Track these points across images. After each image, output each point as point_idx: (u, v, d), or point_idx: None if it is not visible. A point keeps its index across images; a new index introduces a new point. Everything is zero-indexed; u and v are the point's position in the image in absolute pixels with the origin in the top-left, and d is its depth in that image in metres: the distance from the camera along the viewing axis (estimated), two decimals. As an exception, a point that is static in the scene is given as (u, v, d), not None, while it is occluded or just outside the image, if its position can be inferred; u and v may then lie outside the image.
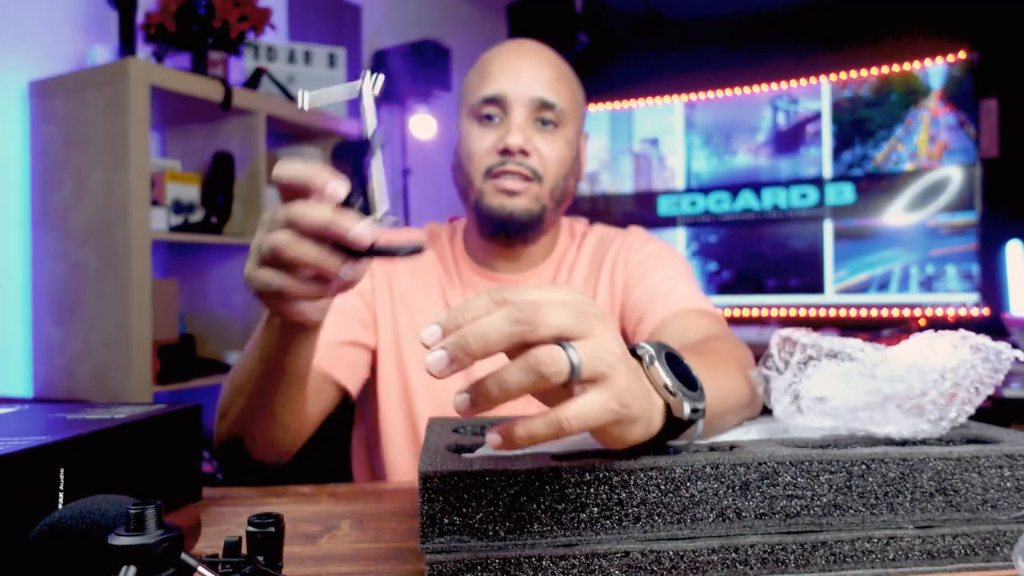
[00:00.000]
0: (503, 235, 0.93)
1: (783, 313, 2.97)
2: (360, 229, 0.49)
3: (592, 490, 0.45)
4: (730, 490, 0.47)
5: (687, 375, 0.49)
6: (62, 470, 0.53)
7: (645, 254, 1.00)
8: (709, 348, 0.72)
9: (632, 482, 0.46)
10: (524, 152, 0.89)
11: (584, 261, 1.01)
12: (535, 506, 0.45)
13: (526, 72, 0.91)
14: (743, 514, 0.47)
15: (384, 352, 0.97)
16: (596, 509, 0.45)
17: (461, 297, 0.99)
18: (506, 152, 0.89)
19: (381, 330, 0.97)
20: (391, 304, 0.98)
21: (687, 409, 0.46)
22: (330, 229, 0.49)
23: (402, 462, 0.97)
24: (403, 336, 0.97)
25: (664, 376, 0.46)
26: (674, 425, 0.47)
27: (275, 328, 0.64)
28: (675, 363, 0.48)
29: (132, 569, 0.36)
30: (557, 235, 1.03)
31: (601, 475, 0.45)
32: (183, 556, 0.38)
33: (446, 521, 0.44)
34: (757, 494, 0.47)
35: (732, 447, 0.50)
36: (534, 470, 0.45)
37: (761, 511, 0.47)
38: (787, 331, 0.58)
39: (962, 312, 2.68)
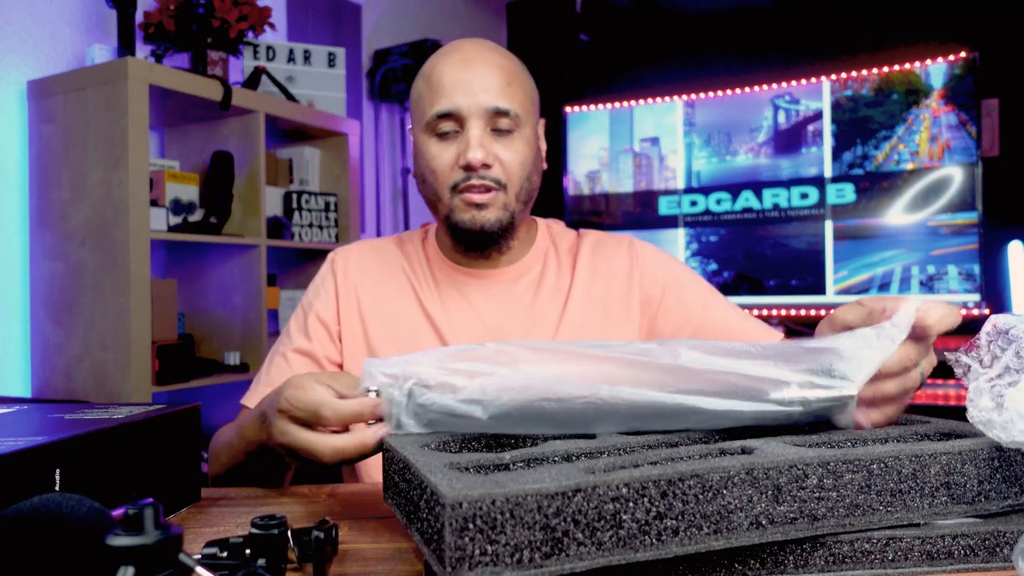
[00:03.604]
0: (478, 247, 0.96)
1: (784, 313, 2.97)
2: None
3: (631, 504, 0.42)
4: (763, 495, 0.45)
5: None
6: (58, 470, 0.53)
7: (672, 270, 1.03)
8: None
9: (671, 492, 0.43)
10: (486, 165, 0.90)
11: (585, 261, 1.03)
12: (573, 526, 0.41)
13: (477, 83, 0.90)
14: (775, 519, 0.46)
15: (354, 361, 1.00)
16: (635, 525, 0.42)
17: (436, 296, 1.00)
18: (468, 168, 0.90)
19: (347, 343, 1.00)
20: (359, 316, 1.00)
21: None
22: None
23: (375, 465, 0.98)
24: (376, 343, 0.99)
25: None
26: None
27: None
28: None
29: (130, 570, 0.35)
30: (532, 232, 1.05)
31: (638, 487, 0.42)
32: (181, 556, 0.38)
33: (478, 552, 0.39)
34: (788, 497, 0.46)
35: (744, 449, 0.50)
36: (571, 487, 0.41)
37: (792, 515, 0.46)
38: (1003, 320, 0.51)
39: (963, 312, 2.67)
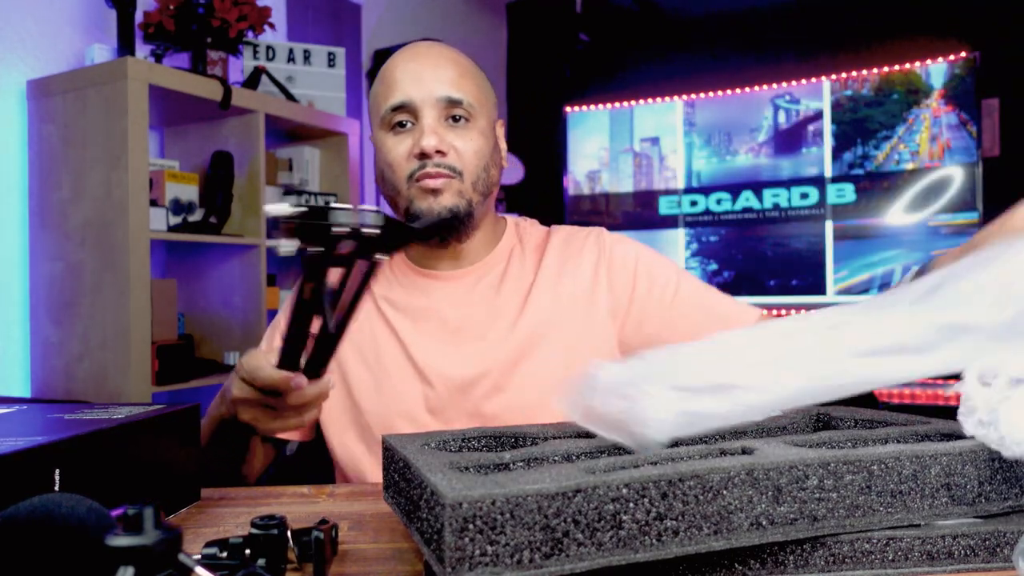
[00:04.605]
0: (436, 237, 0.96)
1: (784, 313, 2.97)
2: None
3: (632, 504, 0.42)
4: (763, 496, 0.45)
5: None
6: (57, 470, 0.53)
7: (640, 257, 1.03)
8: None
9: (671, 493, 0.43)
10: (440, 152, 0.91)
11: (553, 256, 1.02)
12: (573, 526, 0.41)
13: (428, 74, 0.93)
14: (775, 520, 0.46)
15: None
16: (636, 525, 0.42)
17: (397, 300, 1.00)
18: (423, 156, 0.91)
19: None
20: None
21: None
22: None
23: (354, 459, 0.98)
24: (340, 353, 0.99)
25: None
26: None
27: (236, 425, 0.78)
28: None
29: (130, 570, 0.35)
30: (498, 231, 1.05)
31: (639, 488, 0.42)
32: (181, 556, 0.37)
33: (477, 552, 0.39)
34: (788, 498, 0.46)
35: (744, 450, 0.50)
36: (571, 487, 0.41)
37: (792, 516, 0.46)
38: None
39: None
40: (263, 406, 0.71)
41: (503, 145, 1.04)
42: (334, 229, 0.51)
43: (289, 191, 0.48)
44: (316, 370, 0.66)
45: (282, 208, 0.50)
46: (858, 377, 0.47)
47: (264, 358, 0.68)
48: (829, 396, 0.48)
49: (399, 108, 0.93)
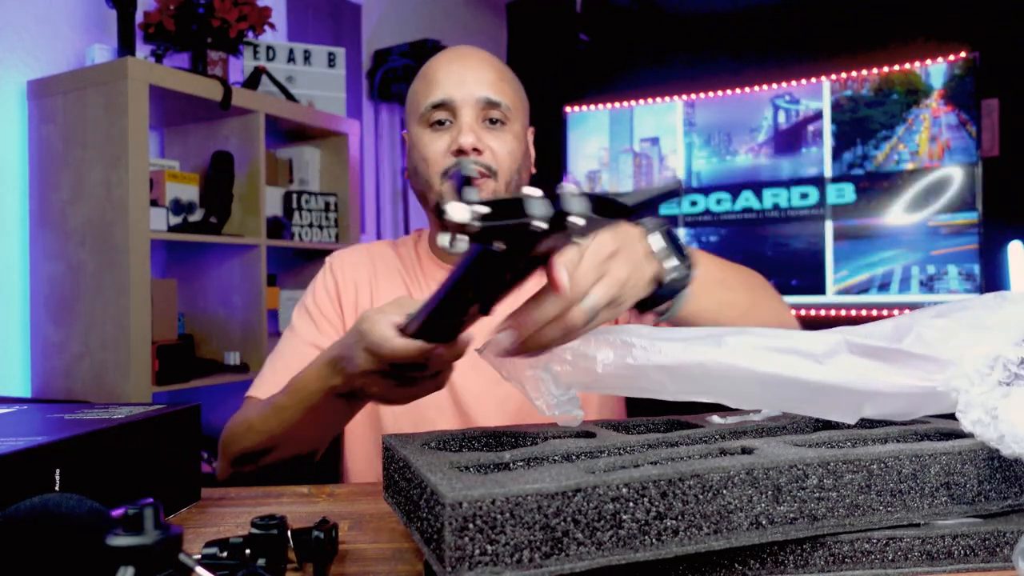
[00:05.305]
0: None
1: (783, 313, 2.97)
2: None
3: (632, 504, 0.42)
4: (763, 495, 0.45)
5: (680, 249, 0.64)
6: (58, 470, 0.53)
7: None
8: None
9: (671, 493, 0.43)
10: (477, 150, 0.93)
11: None
12: (573, 526, 0.41)
13: (469, 75, 0.95)
14: (775, 519, 0.46)
15: None
16: (635, 525, 0.42)
17: (425, 290, 1.02)
18: (460, 152, 0.92)
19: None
20: (356, 310, 1.02)
21: (670, 271, 0.63)
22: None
23: (362, 459, 0.99)
24: None
25: (655, 244, 0.63)
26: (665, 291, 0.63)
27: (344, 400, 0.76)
28: (673, 239, 0.64)
29: (130, 570, 0.35)
30: None
31: (638, 487, 0.43)
32: (181, 556, 0.38)
33: (477, 552, 0.39)
34: (788, 498, 0.46)
35: (744, 449, 0.50)
36: (571, 487, 0.41)
37: (792, 516, 0.46)
38: None
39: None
40: (391, 376, 0.64)
41: (533, 151, 1.05)
42: (533, 224, 0.38)
43: (462, 179, 0.40)
44: (454, 335, 0.58)
45: (464, 211, 0.38)
46: (741, 357, 0.54)
47: (388, 327, 0.61)
48: (703, 367, 0.55)
49: (439, 106, 0.94)
